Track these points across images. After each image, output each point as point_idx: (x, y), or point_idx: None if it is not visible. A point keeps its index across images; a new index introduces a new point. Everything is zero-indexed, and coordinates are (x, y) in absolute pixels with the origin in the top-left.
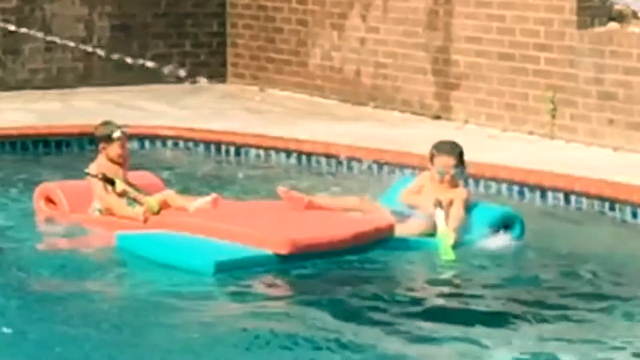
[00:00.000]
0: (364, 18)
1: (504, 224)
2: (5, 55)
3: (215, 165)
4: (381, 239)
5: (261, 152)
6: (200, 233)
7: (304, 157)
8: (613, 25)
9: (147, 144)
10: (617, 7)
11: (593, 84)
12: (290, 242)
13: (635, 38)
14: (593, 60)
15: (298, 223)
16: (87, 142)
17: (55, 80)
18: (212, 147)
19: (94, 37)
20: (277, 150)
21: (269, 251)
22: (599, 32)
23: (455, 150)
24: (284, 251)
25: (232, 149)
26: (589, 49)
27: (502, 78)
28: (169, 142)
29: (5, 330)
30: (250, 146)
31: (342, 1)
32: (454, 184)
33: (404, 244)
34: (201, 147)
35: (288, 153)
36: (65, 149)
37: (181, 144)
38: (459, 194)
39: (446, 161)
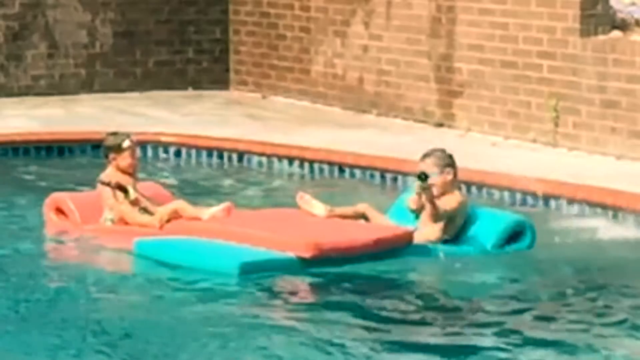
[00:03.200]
0: (366, 25)
1: (516, 232)
2: (8, 61)
3: (217, 172)
4: (401, 246)
5: (264, 159)
6: (221, 238)
7: (306, 164)
8: (616, 33)
9: (149, 150)
10: (620, 15)
11: (596, 92)
12: (313, 245)
13: (638, 46)
14: (596, 68)
15: (318, 228)
16: (89, 149)
17: (58, 87)
18: (215, 154)
19: (97, 44)
20: (280, 157)
21: (292, 254)
22: (602, 40)
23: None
24: (307, 254)
25: (234, 156)
26: (592, 57)
27: (505, 86)
28: (171, 149)
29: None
30: (253, 153)
31: (345, 8)
32: (444, 191)
33: (423, 251)
34: (203, 154)
35: (290, 160)
36: (68, 155)
37: (183, 150)
38: (449, 200)
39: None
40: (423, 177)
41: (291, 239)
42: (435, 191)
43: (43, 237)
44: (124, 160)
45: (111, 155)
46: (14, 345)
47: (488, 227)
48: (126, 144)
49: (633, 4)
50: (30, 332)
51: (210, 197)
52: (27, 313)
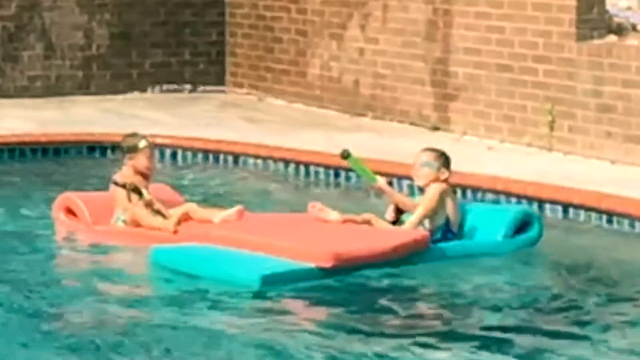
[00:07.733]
0: (363, 28)
1: (524, 222)
2: (4, 62)
3: (213, 174)
4: (419, 250)
5: (259, 162)
6: (240, 247)
7: (301, 167)
8: (612, 38)
9: None
10: (616, 20)
11: (592, 97)
12: (334, 255)
13: (634, 51)
14: (592, 72)
15: (338, 236)
16: (85, 150)
17: (54, 88)
18: (210, 156)
19: (93, 45)
20: (275, 159)
21: (312, 265)
22: (598, 44)
23: (427, 148)
24: (328, 265)
25: (230, 158)
26: (587, 61)
27: (501, 90)
28: (167, 151)
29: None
30: (249, 155)
31: (342, 11)
32: (432, 179)
33: (439, 252)
34: (199, 156)
35: (286, 163)
36: (64, 157)
37: (179, 152)
38: (431, 188)
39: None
40: (345, 154)
41: (312, 248)
42: (422, 181)
43: (38, 239)
44: (141, 161)
45: (128, 156)
46: (21, 347)
47: (497, 219)
48: (143, 144)
49: (629, 8)
50: (38, 336)
51: (206, 199)
52: (35, 317)
